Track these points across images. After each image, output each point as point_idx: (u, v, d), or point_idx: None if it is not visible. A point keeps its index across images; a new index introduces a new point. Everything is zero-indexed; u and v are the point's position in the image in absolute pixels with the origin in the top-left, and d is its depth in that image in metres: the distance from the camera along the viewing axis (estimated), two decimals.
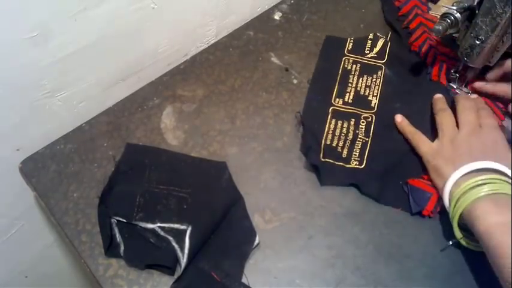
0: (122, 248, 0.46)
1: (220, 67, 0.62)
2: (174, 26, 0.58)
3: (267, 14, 0.68)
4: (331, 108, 0.57)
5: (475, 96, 0.56)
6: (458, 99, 0.53)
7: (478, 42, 0.51)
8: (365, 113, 0.56)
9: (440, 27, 0.51)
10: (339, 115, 0.56)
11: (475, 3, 0.50)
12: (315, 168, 0.52)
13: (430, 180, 0.50)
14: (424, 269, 0.46)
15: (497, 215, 0.42)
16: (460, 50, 0.54)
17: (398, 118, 0.55)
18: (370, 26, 0.67)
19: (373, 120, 0.56)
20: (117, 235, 0.46)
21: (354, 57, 0.62)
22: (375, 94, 0.58)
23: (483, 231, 0.42)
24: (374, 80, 0.59)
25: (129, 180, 0.50)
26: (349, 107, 0.57)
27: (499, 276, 0.41)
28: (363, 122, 0.55)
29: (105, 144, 0.54)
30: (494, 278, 0.42)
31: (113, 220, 0.47)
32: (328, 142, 0.54)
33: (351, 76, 0.60)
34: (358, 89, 0.59)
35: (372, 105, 0.57)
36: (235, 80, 0.60)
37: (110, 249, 0.46)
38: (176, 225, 0.46)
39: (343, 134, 0.54)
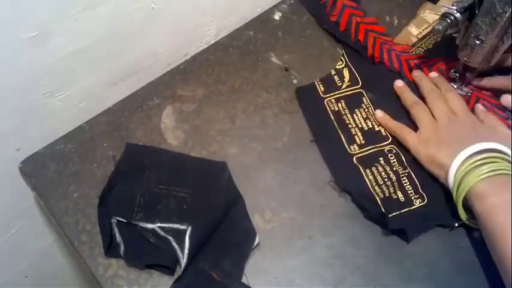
0: (122, 248, 0.46)
1: (220, 67, 0.62)
2: (174, 26, 0.58)
3: (267, 14, 0.68)
4: (355, 157, 0.54)
5: (434, 74, 0.58)
6: (423, 92, 0.56)
7: (478, 42, 0.51)
8: (386, 147, 0.54)
9: (440, 27, 0.51)
10: (366, 162, 0.53)
11: (475, 3, 0.50)
12: (397, 231, 0.48)
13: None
14: (424, 269, 0.46)
15: (496, 196, 0.42)
16: (460, 50, 0.54)
17: (379, 113, 0.56)
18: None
19: (398, 150, 0.54)
20: (117, 235, 0.46)
21: (333, 96, 0.58)
22: (377, 123, 0.56)
23: (481, 212, 0.43)
24: (366, 109, 0.57)
25: (129, 180, 0.50)
26: (367, 148, 0.54)
27: (497, 258, 0.41)
28: (391, 157, 0.53)
29: (105, 144, 0.54)
30: (494, 278, 0.42)
31: (112, 220, 0.47)
32: (381, 196, 0.50)
33: (344, 117, 0.57)
34: (360, 126, 0.56)
35: (384, 134, 0.55)
36: (235, 80, 0.60)
37: (110, 249, 0.46)
38: (176, 225, 0.46)
39: (385, 179, 0.52)
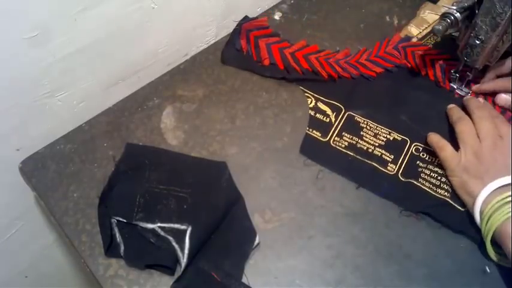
0: (122, 248, 0.46)
1: (220, 67, 0.62)
2: (174, 26, 0.58)
3: (267, 14, 0.68)
4: (399, 175, 0.52)
5: (481, 100, 0.56)
6: (471, 107, 0.52)
7: (478, 42, 0.51)
8: (411, 148, 0.54)
9: (440, 27, 0.51)
10: (410, 173, 0.52)
11: (475, 3, 0.50)
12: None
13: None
14: (424, 269, 0.46)
15: None
16: (460, 50, 0.54)
17: (431, 134, 0.53)
18: (370, 26, 0.67)
19: (421, 144, 0.54)
20: (117, 235, 0.46)
21: (333, 134, 0.55)
22: (387, 131, 0.56)
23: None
24: (367, 126, 0.56)
25: (129, 180, 0.49)
26: (400, 159, 0.53)
27: None
28: (423, 155, 0.54)
29: (105, 144, 0.54)
30: (494, 278, 0.42)
31: (113, 220, 0.47)
32: (448, 194, 0.50)
33: (359, 146, 0.54)
34: (377, 143, 0.54)
35: (399, 138, 0.55)
36: (235, 80, 0.60)
37: (110, 249, 0.46)
38: (176, 225, 0.46)
39: (437, 176, 0.52)
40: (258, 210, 0.50)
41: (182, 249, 0.45)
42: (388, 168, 0.53)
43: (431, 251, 0.47)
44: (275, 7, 0.68)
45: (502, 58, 0.54)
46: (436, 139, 0.52)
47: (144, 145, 0.54)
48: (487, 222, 0.44)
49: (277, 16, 0.68)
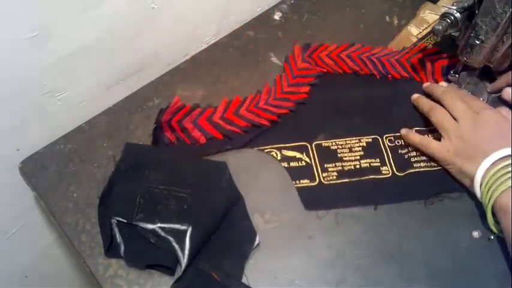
0: (122, 248, 0.46)
1: (220, 67, 0.62)
2: (174, 25, 0.58)
3: (267, 14, 0.68)
4: (404, 175, 0.52)
5: (444, 83, 0.58)
6: (437, 93, 0.54)
7: (478, 42, 0.51)
8: (385, 141, 0.55)
9: (440, 27, 0.51)
10: (404, 165, 0.53)
11: (475, 3, 0.50)
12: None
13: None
14: (425, 270, 0.46)
15: None
16: (460, 50, 0.54)
17: (403, 131, 0.55)
18: (370, 26, 0.67)
19: (393, 135, 0.55)
20: (118, 235, 0.46)
21: (319, 171, 0.52)
22: (356, 139, 0.55)
23: (505, 228, 0.43)
24: (333, 146, 0.54)
25: (129, 180, 0.49)
26: (383, 157, 0.53)
27: None
28: (398, 142, 0.55)
29: (105, 144, 0.54)
30: (494, 279, 0.42)
31: (113, 220, 0.47)
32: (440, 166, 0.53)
33: (345, 167, 0.53)
34: (357, 156, 0.53)
35: (367, 142, 0.55)
36: (235, 80, 0.60)
37: (110, 249, 0.46)
38: (176, 226, 0.46)
39: (421, 155, 0.54)
40: (258, 210, 0.50)
41: (182, 250, 0.45)
42: (383, 172, 0.52)
43: (432, 251, 0.47)
44: (275, 7, 0.68)
45: (502, 58, 0.54)
46: (417, 139, 0.53)
47: (143, 144, 0.54)
48: (487, 196, 0.45)
49: (277, 16, 0.68)
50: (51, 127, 0.54)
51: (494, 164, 0.46)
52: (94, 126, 0.56)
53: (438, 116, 0.52)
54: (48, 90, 0.50)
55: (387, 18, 0.68)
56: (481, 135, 0.48)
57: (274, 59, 0.63)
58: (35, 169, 0.52)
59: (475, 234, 0.48)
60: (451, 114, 0.51)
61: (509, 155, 0.45)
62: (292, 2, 0.69)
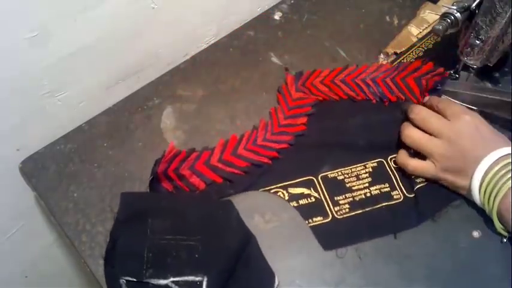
0: None
1: (220, 67, 0.62)
2: (174, 25, 0.58)
3: (267, 14, 0.68)
4: (412, 197, 0.51)
5: (426, 99, 0.56)
6: (411, 117, 0.52)
7: (478, 42, 0.51)
8: (390, 163, 0.54)
9: (440, 27, 0.51)
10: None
11: (475, 3, 0.50)
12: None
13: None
14: (424, 270, 0.46)
15: None
16: (460, 50, 0.54)
17: (399, 159, 0.53)
18: (370, 26, 0.67)
19: (389, 160, 0.54)
20: None
21: (330, 206, 0.50)
22: (361, 166, 0.53)
23: None
24: (340, 177, 0.52)
25: (131, 234, 0.45)
26: (394, 182, 0.52)
27: None
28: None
29: (105, 144, 0.54)
30: (494, 279, 0.42)
31: (122, 281, 0.42)
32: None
33: (356, 197, 0.51)
34: (365, 184, 0.52)
35: (374, 166, 0.53)
36: (235, 80, 0.60)
37: None
38: (191, 278, 0.42)
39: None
40: (258, 210, 0.49)
41: None
42: (395, 197, 0.51)
43: (431, 251, 0.47)
44: (275, 7, 0.68)
45: (501, 58, 0.54)
46: (400, 161, 0.52)
47: (140, 192, 0.50)
48: (489, 202, 0.45)
49: (277, 16, 0.68)
50: (51, 127, 0.54)
51: (488, 169, 0.45)
52: (94, 126, 0.56)
53: (413, 136, 0.51)
54: (48, 90, 0.50)
55: (387, 18, 0.68)
56: (462, 147, 0.47)
57: (274, 59, 0.63)
58: (35, 169, 0.52)
59: (475, 234, 0.48)
60: (429, 133, 0.50)
61: (501, 156, 0.45)
62: (292, 2, 0.69)
